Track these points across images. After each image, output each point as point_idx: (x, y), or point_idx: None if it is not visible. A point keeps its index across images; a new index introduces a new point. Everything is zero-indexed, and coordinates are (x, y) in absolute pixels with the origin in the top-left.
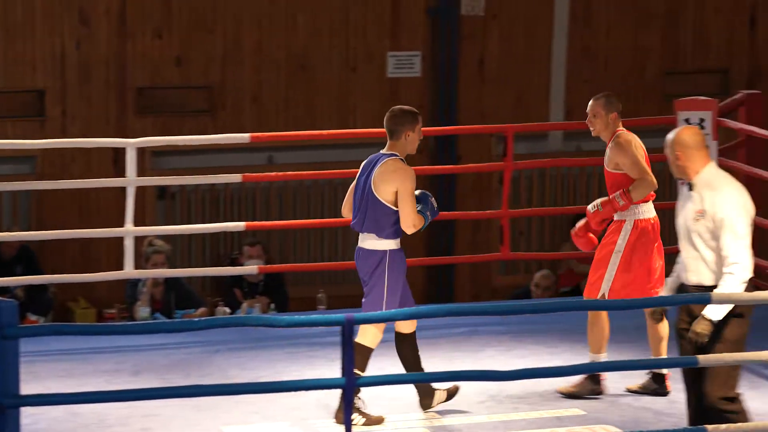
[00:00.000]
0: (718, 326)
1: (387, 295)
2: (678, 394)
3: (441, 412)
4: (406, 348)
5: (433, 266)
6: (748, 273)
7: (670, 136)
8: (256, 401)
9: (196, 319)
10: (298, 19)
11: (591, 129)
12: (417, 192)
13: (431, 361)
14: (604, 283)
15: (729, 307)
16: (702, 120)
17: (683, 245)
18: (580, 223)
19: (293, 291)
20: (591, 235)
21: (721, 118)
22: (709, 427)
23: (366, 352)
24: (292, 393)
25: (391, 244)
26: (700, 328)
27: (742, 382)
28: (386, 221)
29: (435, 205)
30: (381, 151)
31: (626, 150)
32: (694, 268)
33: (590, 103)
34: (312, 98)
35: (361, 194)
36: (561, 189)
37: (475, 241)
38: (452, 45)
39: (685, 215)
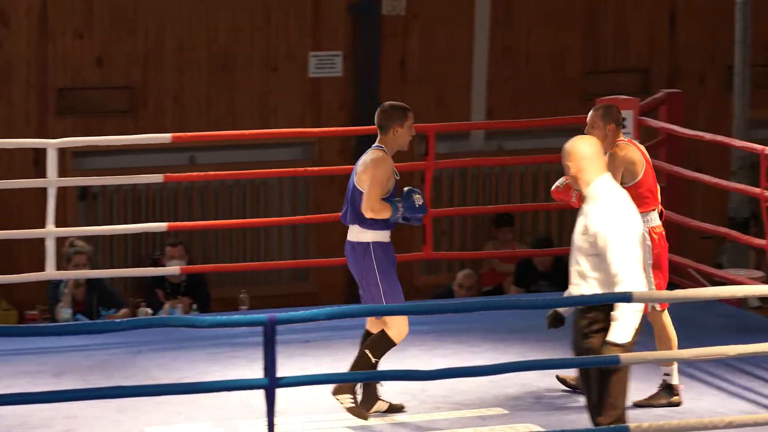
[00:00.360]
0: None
1: (383, 287)
2: None
3: None
4: None
5: None
6: (641, 287)
7: (566, 144)
8: (179, 402)
9: (119, 320)
10: (219, 19)
11: None
12: (406, 188)
13: None
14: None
15: (633, 330)
16: (623, 119)
17: (571, 257)
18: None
19: (215, 291)
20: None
21: (642, 117)
22: (632, 425)
23: (389, 344)
24: (215, 393)
25: (374, 236)
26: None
27: (660, 378)
28: None
29: (418, 203)
30: (373, 146)
31: (611, 162)
32: (576, 282)
33: (590, 113)
34: (233, 98)
35: (348, 187)
36: (483, 188)
37: (397, 240)
38: (373, 45)
39: (575, 228)
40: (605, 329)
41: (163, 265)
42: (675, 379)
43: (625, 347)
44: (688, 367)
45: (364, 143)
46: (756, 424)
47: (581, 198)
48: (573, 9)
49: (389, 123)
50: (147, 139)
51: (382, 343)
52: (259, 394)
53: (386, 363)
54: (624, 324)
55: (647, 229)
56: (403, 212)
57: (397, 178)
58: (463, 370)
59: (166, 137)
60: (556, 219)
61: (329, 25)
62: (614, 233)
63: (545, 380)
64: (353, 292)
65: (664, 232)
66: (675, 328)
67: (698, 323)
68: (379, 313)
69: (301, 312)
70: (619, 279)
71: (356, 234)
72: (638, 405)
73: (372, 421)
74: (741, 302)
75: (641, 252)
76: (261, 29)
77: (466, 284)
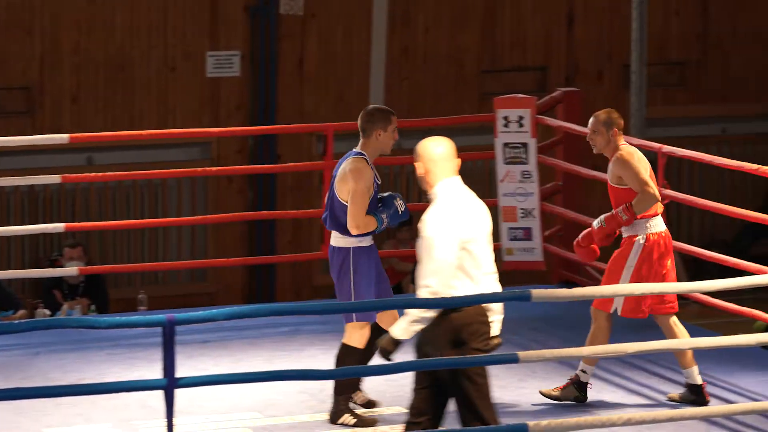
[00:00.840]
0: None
1: (355, 294)
2: (500, 391)
3: (263, 411)
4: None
5: (255, 266)
6: (431, 294)
7: (417, 145)
8: (78, 403)
9: (17, 321)
10: (116, 19)
11: (592, 146)
12: (386, 193)
13: (254, 362)
14: (616, 298)
15: (411, 331)
16: (521, 118)
17: None
18: (584, 233)
19: (114, 292)
20: (593, 246)
21: (540, 116)
22: (530, 423)
23: (355, 353)
24: (114, 394)
25: (354, 241)
26: (383, 343)
27: (565, 378)
28: (345, 219)
29: (400, 209)
30: (353, 149)
31: (628, 163)
32: (418, 284)
33: (591, 120)
34: (131, 98)
35: (329, 191)
36: (383, 186)
37: (296, 240)
38: (271, 44)
39: None
40: (429, 330)
41: (61, 266)
42: (589, 378)
43: (396, 342)
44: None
45: (261, 143)
46: (654, 420)
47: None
48: (470, 8)
49: (372, 126)
50: (44, 139)
51: (349, 357)
52: (158, 395)
53: (285, 362)
54: (406, 322)
55: (644, 236)
56: (389, 222)
57: (379, 182)
58: (361, 369)
59: (63, 138)
60: None
61: (227, 24)
62: (429, 238)
63: None
64: (252, 291)
65: (661, 239)
66: (574, 326)
67: None
68: (280, 313)
69: (199, 312)
70: (421, 283)
71: (336, 240)
72: (544, 394)
73: (271, 420)
74: None
75: (460, 258)
76: (158, 29)
77: None
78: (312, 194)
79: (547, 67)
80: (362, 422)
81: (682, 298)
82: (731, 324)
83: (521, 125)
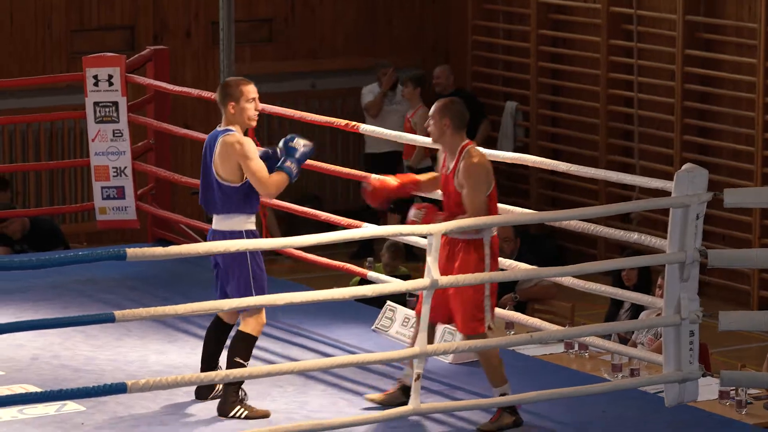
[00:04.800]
0: None
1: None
2: (97, 351)
3: None
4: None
5: None
6: None
7: None
8: None
9: None
10: None
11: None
12: (283, 140)
13: None
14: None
15: None
16: (110, 76)
17: None
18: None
19: None
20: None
21: (130, 74)
22: (129, 382)
23: (249, 340)
24: None
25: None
26: None
27: (162, 336)
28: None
29: (301, 148)
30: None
31: (476, 176)
32: None
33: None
34: None
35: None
36: None
37: None
38: None
39: None
40: None
41: None
42: (508, 390)
43: None
44: (183, 323)
45: None
46: (252, 376)
47: None
48: None
49: (225, 99)
50: None
51: (243, 343)
52: None
53: None
54: None
55: (489, 239)
56: (296, 167)
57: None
58: None
59: None
60: (58, 179)
61: None
62: None
63: (40, 340)
64: None
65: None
66: (169, 285)
67: (192, 278)
68: None
69: None
70: None
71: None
72: (482, 430)
73: None
74: None
75: None
76: None
77: None
78: None
79: (135, 25)
80: (253, 414)
81: (275, 253)
82: (325, 278)
83: (111, 84)
